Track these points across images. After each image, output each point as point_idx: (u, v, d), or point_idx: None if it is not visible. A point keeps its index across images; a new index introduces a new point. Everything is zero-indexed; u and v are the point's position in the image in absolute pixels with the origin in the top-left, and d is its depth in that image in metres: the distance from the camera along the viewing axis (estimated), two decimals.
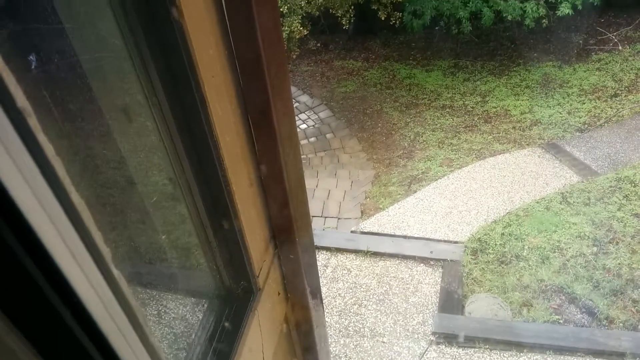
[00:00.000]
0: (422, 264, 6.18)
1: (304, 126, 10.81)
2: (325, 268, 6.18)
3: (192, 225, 1.17)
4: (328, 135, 10.44)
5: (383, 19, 10.81)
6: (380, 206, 7.62)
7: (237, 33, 0.95)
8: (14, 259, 0.47)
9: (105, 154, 1.03)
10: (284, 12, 9.50)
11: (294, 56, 11.52)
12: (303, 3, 9.40)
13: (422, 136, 9.65)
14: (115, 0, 0.85)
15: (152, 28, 0.83)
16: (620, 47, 11.08)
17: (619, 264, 5.73)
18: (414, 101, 11.03)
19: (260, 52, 0.96)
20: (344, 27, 11.87)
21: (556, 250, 6.06)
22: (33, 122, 0.50)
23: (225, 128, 1.02)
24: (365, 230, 6.86)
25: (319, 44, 13.41)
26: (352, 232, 6.88)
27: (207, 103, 0.94)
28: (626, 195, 6.75)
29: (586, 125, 9.00)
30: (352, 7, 10.44)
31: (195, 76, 0.90)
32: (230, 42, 0.97)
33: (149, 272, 1.27)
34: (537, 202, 6.96)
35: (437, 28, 12.75)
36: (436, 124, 9.99)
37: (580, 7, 10.41)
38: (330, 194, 8.32)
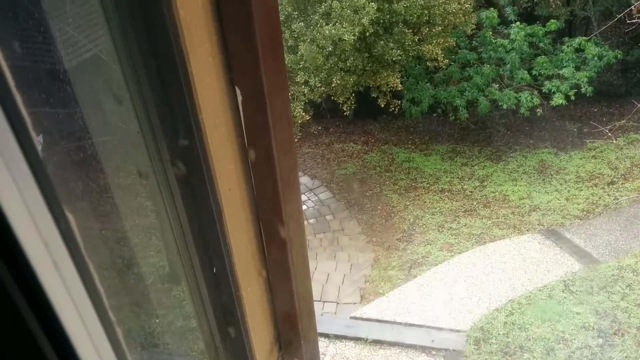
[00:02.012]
0: (423, 354, 6.00)
1: (304, 207, 10.88)
2: (323, 357, 5.99)
3: (199, 328, 1.17)
4: (328, 217, 10.48)
5: (382, 106, 11.19)
6: (380, 291, 7.51)
7: (257, 162, 1.01)
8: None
9: (120, 246, 1.05)
10: None
11: (296, 139, 11.82)
12: (306, 90, 9.77)
13: (421, 219, 9.69)
14: (141, 113, 0.90)
15: (177, 148, 0.88)
16: (614, 136, 11.38)
17: (626, 357, 5.57)
18: (413, 184, 11.17)
19: (276, 176, 1.01)
20: (344, 113, 12.26)
21: (561, 341, 5.90)
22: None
23: (238, 236, 1.05)
24: (365, 317, 6.71)
25: (320, 127, 13.79)
26: (351, 318, 6.74)
27: (223, 213, 0.97)
28: (629, 285, 6.68)
29: (585, 212, 9.06)
30: (353, 95, 10.84)
31: (213, 189, 0.94)
32: (247, 161, 1.02)
33: None
34: (540, 290, 6.87)
35: (434, 115, 13.16)
36: (435, 208, 10.06)
37: (573, 97, 10.84)
38: (329, 278, 8.22)
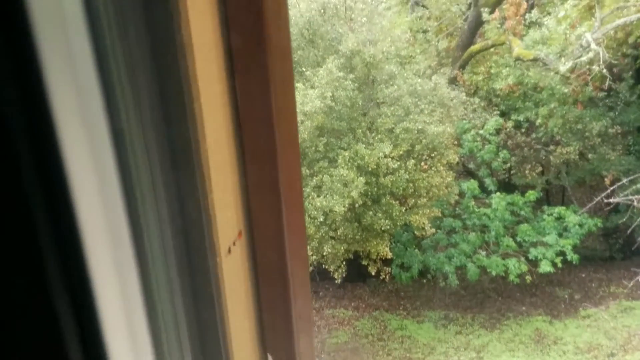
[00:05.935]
0: None
1: None
2: None
3: None
4: None
5: (373, 273, 11.21)
6: None
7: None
8: None
9: None
10: None
11: None
12: None
13: None
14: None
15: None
16: (606, 303, 11.34)
17: None
18: (408, 355, 10.75)
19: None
20: (335, 281, 12.21)
21: None
22: None
23: None
24: None
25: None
26: None
27: None
28: None
29: None
30: (344, 262, 10.90)
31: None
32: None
33: None
34: None
35: (424, 281, 13.14)
36: None
37: (560, 264, 10.99)
38: None
